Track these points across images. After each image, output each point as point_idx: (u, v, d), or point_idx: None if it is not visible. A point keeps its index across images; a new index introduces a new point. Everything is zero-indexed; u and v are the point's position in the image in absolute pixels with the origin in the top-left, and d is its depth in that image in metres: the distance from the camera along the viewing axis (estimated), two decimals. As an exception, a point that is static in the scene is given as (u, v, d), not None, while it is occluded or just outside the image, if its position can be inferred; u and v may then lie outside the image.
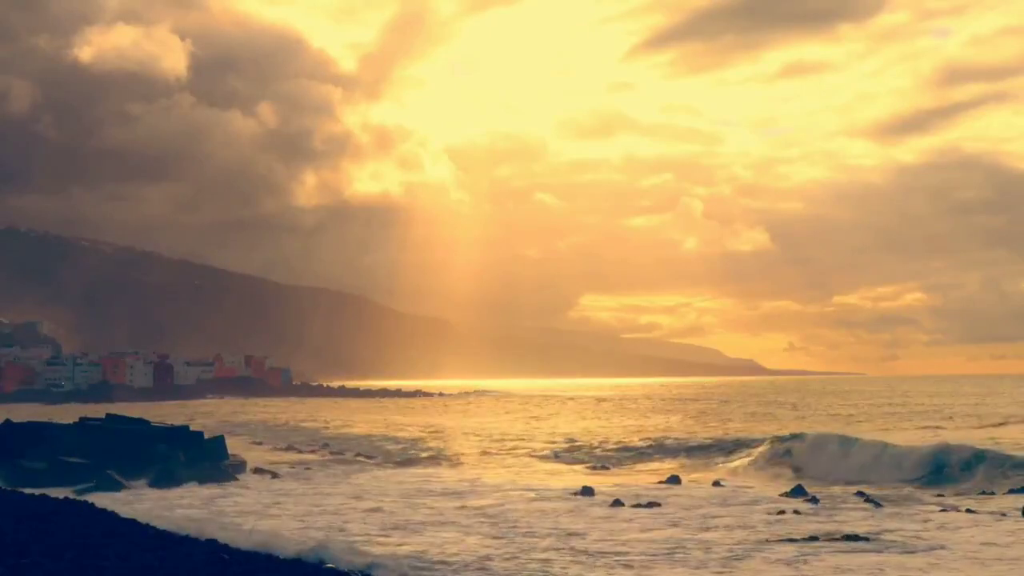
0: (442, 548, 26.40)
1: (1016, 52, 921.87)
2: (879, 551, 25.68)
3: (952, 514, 32.57)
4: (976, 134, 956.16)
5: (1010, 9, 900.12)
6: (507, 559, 24.82)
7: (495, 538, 28.31)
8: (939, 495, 38.25)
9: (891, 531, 28.85)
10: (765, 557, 24.94)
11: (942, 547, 26.24)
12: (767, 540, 27.34)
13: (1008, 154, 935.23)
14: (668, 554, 25.55)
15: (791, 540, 27.12)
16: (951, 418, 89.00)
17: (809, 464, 49.02)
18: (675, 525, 30.82)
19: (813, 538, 27.33)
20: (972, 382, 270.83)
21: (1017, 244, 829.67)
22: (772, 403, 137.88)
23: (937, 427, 76.08)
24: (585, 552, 25.94)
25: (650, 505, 35.38)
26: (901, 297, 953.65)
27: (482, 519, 32.47)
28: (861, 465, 46.94)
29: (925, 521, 30.72)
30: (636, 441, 66.19)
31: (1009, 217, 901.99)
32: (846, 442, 51.39)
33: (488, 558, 24.91)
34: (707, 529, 29.85)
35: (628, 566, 23.99)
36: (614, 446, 63.81)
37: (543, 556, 25.32)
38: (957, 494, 38.44)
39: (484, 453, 62.37)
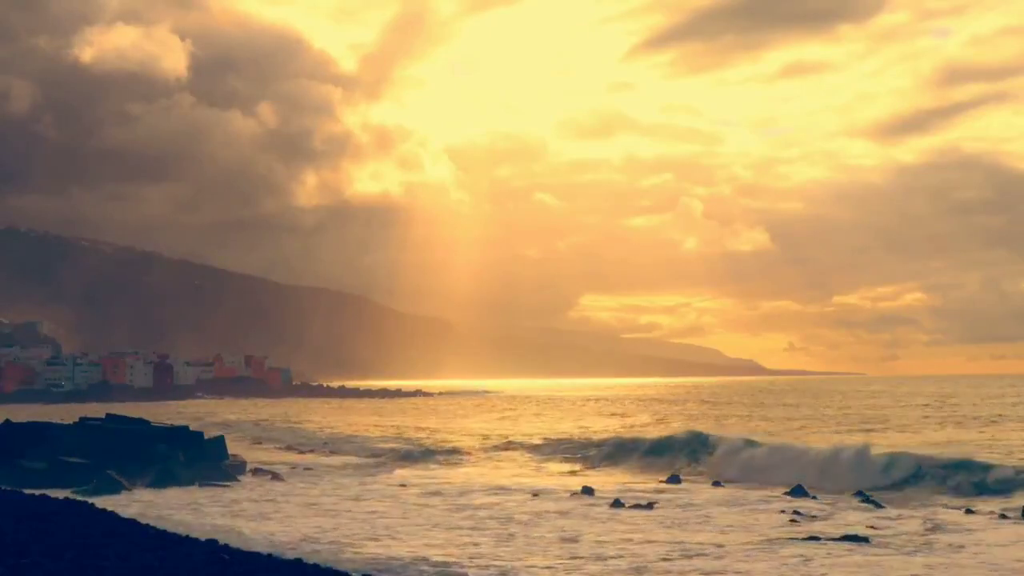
0: (442, 551, 26.40)
1: (1016, 52, 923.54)
2: (880, 551, 25.68)
3: (954, 514, 32.56)
4: (976, 134, 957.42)
5: (1010, 9, 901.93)
6: (507, 562, 24.81)
7: (496, 540, 28.31)
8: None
9: (892, 532, 28.86)
10: (766, 558, 24.92)
11: (943, 548, 26.27)
12: (768, 540, 27.31)
13: (1008, 154, 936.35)
14: (669, 555, 25.54)
15: (792, 540, 27.11)
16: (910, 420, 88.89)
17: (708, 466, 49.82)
18: (675, 526, 30.82)
19: (814, 538, 27.31)
20: (970, 382, 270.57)
21: (1017, 244, 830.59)
22: (758, 404, 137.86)
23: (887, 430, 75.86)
24: (587, 554, 25.94)
25: (649, 505, 35.40)
26: (901, 297, 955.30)
27: (482, 520, 32.46)
28: (761, 467, 46.99)
29: (926, 521, 30.72)
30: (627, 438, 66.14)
31: (1009, 217, 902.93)
32: (749, 444, 52.02)
33: (489, 560, 24.91)
34: (707, 530, 29.85)
35: (633, 568, 23.98)
36: (610, 445, 63.69)
37: (545, 558, 25.32)
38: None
39: (483, 452, 62.37)
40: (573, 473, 50.77)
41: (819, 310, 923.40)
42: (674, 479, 45.36)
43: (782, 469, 45.09)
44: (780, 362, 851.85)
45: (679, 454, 54.37)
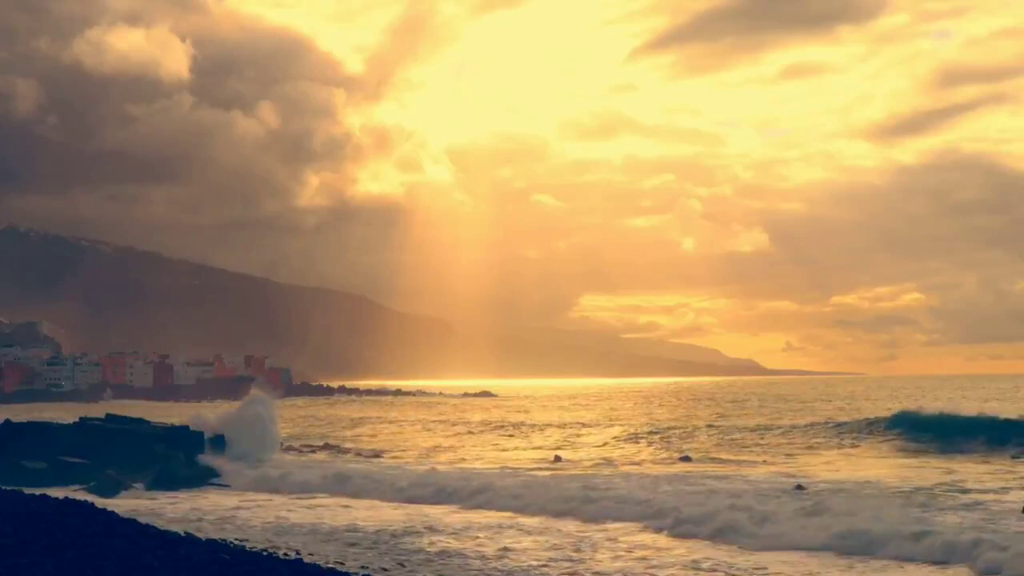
0: (444, 553, 26.37)
1: (1014, 53, 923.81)
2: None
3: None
4: (975, 135, 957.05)
5: (1009, 11, 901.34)
6: (523, 560, 24.78)
7: (504, 541, 28.27)
8: None
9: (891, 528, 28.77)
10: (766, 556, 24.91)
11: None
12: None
13: (1006, 155, 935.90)
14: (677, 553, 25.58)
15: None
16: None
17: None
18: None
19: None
20: (969, 382, 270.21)
21: (1015, 245, 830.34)
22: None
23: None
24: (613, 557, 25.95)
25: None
26: (899, 297, 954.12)
27: (488, 521, 32.44)
28: None
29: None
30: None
31: (1007, 218, 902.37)
32: None
33: (500, 561, 24.87)
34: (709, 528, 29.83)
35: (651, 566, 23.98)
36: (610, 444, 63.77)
37: (553, 561, 25.31)
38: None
39: (483, 451, 62.30)
40: (574, 471, 50.68)
41: (817, 310, 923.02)
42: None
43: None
44: (779, 362, 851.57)
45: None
